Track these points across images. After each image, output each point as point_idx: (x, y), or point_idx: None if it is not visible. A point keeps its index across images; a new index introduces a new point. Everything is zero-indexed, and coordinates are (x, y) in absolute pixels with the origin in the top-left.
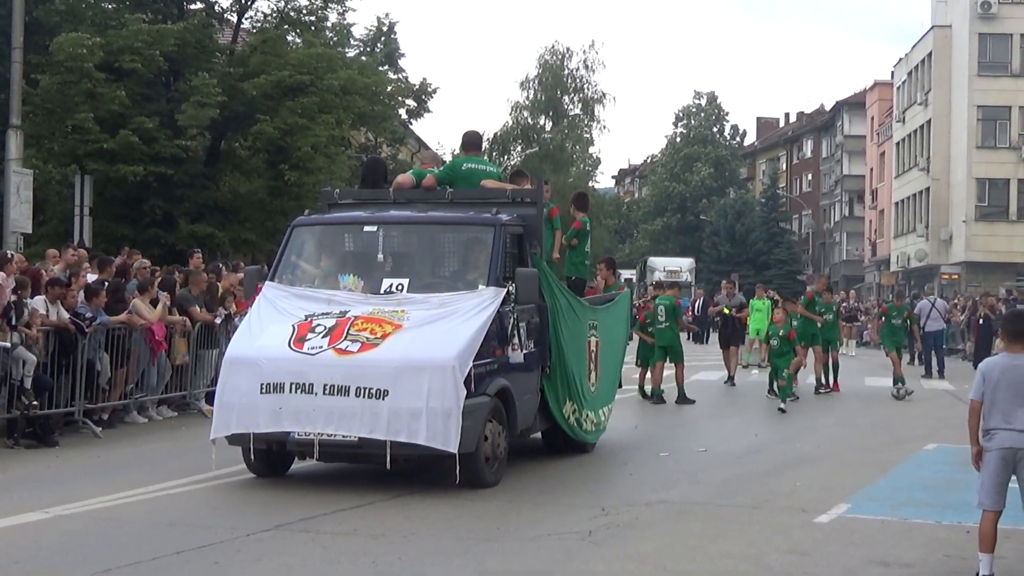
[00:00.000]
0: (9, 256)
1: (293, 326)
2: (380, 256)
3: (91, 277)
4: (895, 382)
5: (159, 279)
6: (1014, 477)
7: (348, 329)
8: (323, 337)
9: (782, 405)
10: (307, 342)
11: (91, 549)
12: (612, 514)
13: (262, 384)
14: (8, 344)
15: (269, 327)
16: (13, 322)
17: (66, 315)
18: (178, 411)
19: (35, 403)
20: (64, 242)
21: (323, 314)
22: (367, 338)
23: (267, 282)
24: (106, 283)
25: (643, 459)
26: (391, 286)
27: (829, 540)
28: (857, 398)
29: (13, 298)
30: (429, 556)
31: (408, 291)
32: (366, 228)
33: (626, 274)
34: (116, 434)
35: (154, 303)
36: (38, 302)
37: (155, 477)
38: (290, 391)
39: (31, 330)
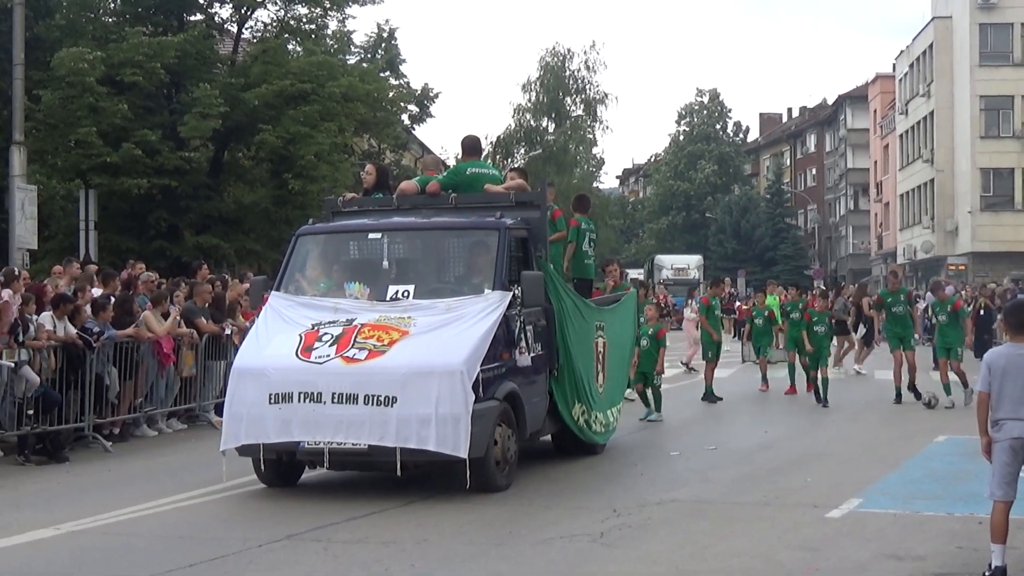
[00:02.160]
0: (16, 272)
1: (300, 335)
2: (385, 263)
3: (96, 291)
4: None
5: (171, 293)
6: None
7: (355, 337)
8: (330, 345)
9: (652, 417)
10: (314, 351)
11: (103, 564)
12: (623, 515)
13: (270, 394)
14: (13, 363)
15: (276, 337)
16: (20, 338)
17: (73, 330)
18: (187, 423)
19: (34, 421)
20: (70, 257)
21: (330, 322)
22: (374, 345)
23: (273, 292)
24: (112, 297)
25: (653, 459)
26: (397, 292)
27: (841, 535)
28: (867, 392)
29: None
30: (441, 562)
31: (414, 297)
32: (370, 235)
33: (633, 273)
34: (126, 448)
35: (166, 316)
36: (45, 318)
37: (166, 490)
38: (299, 400)
39: (38, 341)
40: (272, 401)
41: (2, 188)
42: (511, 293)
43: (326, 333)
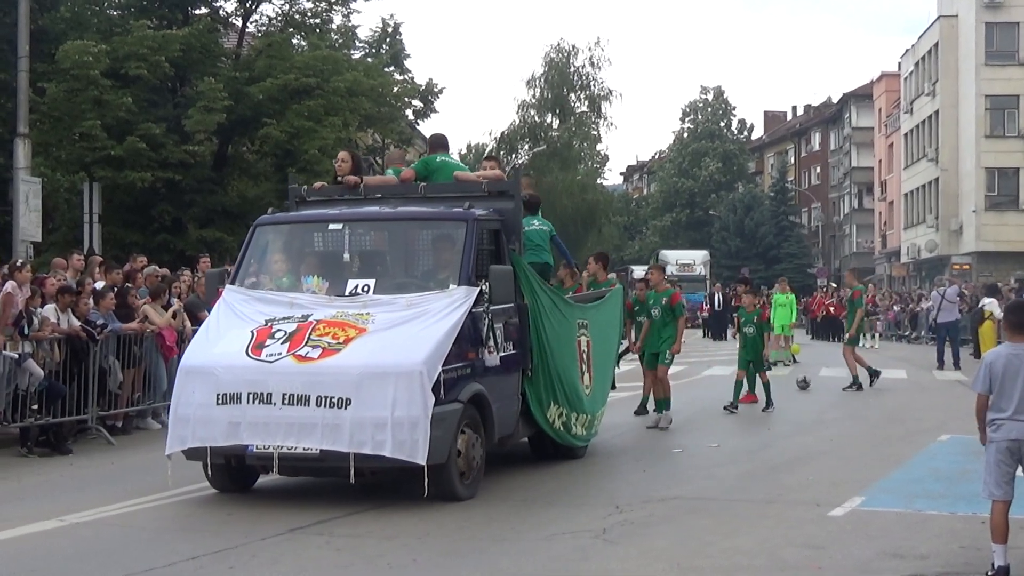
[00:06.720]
0: (19, 264)
1: (252, 332)
2: (346, 255)
3: (99, 284)
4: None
5: (170, 285)
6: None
7: (309, 334)
8: (283, 343)
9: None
10: (266, 349)
11: (106, 556)
12: (626, 511)
13: (218, 395)
14: (17, 354)
15: (227, 333)
16: (25, 331)
17: (77, 323)
18: None
19: (38, 413)
20: (74, 249)
21: (284, 318)
22: (329, 343)
23: (228, 285)
24: (115, 287)
25: (656, 456)
26: (356, 287)
27: (843, 533)
28: (870, 390)
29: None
30: (443, 557)
31: (375, 292)
32: (331, 226)
33: (638, 271)
34: (129, 440)
35: (165, 308)
36: (48, 310)
37: (169, 483)
38: (248, 402)
39: (42, 333)
40: (220, 402)
41: (6, 180)
42: (478, 289)
43: (279, 330)
